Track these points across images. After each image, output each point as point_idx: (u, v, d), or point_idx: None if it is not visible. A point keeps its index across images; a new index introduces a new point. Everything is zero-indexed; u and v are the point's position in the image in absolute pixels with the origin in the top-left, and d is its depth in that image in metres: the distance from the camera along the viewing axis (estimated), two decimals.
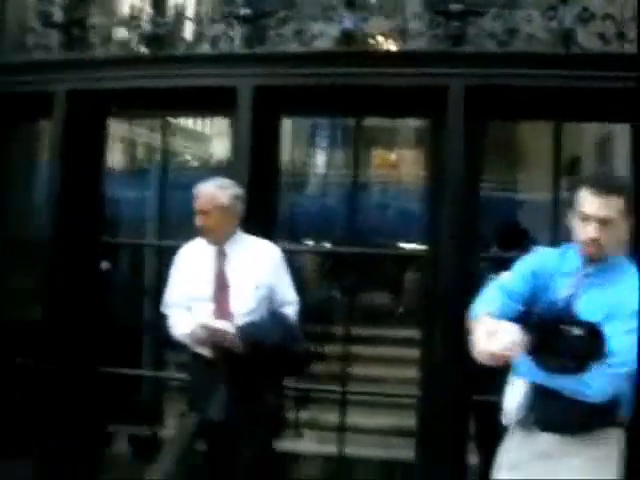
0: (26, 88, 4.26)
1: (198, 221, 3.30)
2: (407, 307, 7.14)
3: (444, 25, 3.76)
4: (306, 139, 9.41)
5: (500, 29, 3.73)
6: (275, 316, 3.32)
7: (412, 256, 4.42)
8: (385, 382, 5.23)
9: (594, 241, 2.34)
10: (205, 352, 3.28)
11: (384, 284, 7.71)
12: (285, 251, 3.72)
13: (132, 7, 4.33)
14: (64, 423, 4.12)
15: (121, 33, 4.21)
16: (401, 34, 3.83)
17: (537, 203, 4.92)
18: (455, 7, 3.71)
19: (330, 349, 5.08)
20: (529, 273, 2.49)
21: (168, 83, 4.08)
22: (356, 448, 4.34)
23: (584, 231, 2.36)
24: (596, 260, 2.40)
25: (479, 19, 3.74)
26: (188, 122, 7.74)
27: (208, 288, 3.31)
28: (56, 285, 4.15)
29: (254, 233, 3.47)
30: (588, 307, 2.34)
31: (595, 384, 2.24)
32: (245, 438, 3.23)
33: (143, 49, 4.14)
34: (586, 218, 2.35)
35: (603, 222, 2.32)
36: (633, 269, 2.43)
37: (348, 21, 3.85)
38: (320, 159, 9.41)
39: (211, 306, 3.27)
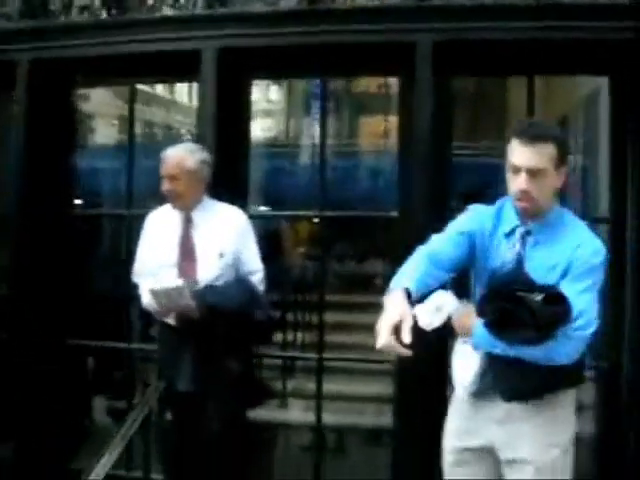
0: None
1: (165, 186, 3.25)
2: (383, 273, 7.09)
3: None
4: (296, 106, 9.32)
5: None
6: (237, 283, 3.26)
7: (385, 220, 4.26)
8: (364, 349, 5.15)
9: (525, 193, 2.20)
10: (170, 320, 3.22)
11: (361, 250, 7.68)
12: (253, 217, 3.65)
13: None
14: (42, 398, 4.08)
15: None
16: None
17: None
18: None
19: (310, 317, 5.01)
20: (462, 235, 2.31)
21: (130, 48, 3.95)
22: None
23: (515, 183, 2.23)
24: (532, 215, 2.27)
25: None
26: (157, 89, 7.58)
27: (173, 255, 3.25)
28: (22, 260, 4.08)
29: (222, 199, 3.40)
30: (538, 269, 2.23)
31: (562, 350, 2.15)
32: (211, 407, 3.17)
33: (104, 14, 4.01)
34: (516, 169, 2.22)
35: (532, 172, 2.19)
36: (576, 220, 2.33)
37: None
38: (306, 126, 9.34)
39: (175, 273, 3.20)
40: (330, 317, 4.16)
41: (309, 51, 3.82)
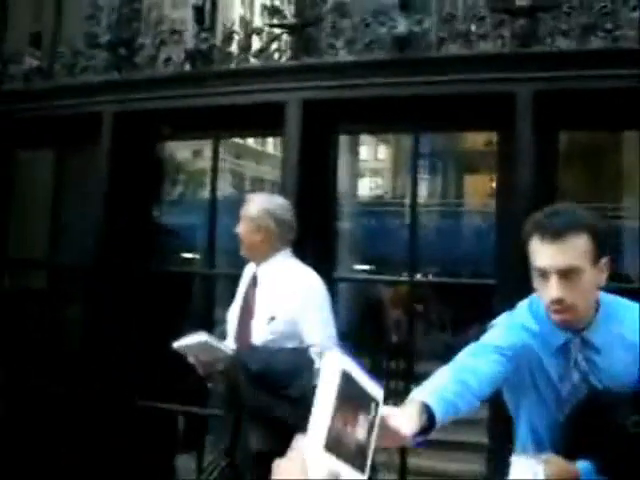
0: (76, 110, 4.15)
1: (241, 240, 3.05)
2: None
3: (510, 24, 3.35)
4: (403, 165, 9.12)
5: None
6: (291, 351, 2.87)
7: (483, 287, 3.87)
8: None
9: (560, 302, 1.75)
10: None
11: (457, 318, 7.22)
12: (335, 280, 3.39)
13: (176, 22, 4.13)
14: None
15: (166, 52, 4.00)
16: (462, 36, 3.42)
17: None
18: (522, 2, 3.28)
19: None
20: (503, 351, 1.81)
21: (214, 101, 3.85)
22: None
23: (546, 292, 1.77)
24: (575, 325, 1.81)
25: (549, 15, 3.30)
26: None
27: (236, 312, 3.04)
28: (95, 314, 3.96)
29: (306, 258, 3.13)
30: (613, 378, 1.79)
31: None
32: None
33: (188, 67, 3.93)
34: (543, 273, 1.76)
35: (564, 274, 1.73)
36: (622, 302, 1.89)
37: (403, 25, 3.49)
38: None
39: (234, 331, 3.00)
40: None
41: (399, 103, 3.58)
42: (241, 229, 3.02)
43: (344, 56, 3.62)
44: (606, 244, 1.80)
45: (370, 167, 11.34)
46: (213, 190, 4.09)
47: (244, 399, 2.79)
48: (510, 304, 2.91)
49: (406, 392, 1.66)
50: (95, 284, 4.03)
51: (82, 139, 4.28)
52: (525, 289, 3.02)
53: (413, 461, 3.78)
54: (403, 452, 3.61)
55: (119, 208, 4.07)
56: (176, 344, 2.79)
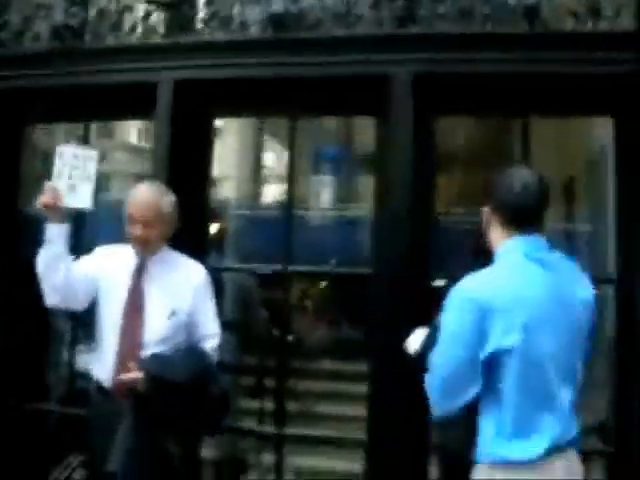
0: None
1: (135, 231, 2.78)
2: None
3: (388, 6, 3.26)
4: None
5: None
6: (188, 351, 2.78)
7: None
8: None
9: None
10: (103, 376, 2.80)
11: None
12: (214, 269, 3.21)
13: None
14: None
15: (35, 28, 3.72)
16: (338, 17, 3.30)
17: None
18: None
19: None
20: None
21: (83, 80, 3.60)
22: None
23: None
24: None
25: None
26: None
27: (119, 304, 2.80)
28: None
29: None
30: None
31: None
32: None
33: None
34: None
35: None
36: None
37: (279, 4, 3.35)
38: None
39: (119, 326, 2.76)
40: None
41: (274, 85, 3.43)
42: (152, 231, 2.79)
43: (219, 35, 3.45)
44: None
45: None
46: None
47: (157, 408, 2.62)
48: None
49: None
50: None
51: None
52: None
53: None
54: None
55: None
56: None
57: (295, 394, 5.12)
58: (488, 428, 2.05)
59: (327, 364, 7.37)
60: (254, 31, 3.43)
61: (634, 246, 3.15)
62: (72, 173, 2.75)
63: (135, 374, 2.62)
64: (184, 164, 3.49)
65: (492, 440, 2.04)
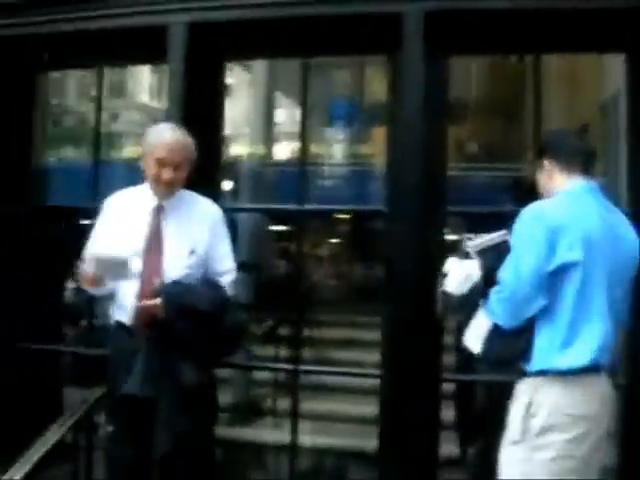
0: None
1: (167, 174, 2.81)
2: None
3: None
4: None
5: None
6: (206, 283, 2.86)
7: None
8: None
9: None
10: (123, 317, 2.85)
11: None
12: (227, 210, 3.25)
13: None
14: None
15: None
16: None
17: None
18: None
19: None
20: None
21: (91, 25, 3.58)
22: None
23: None
24: None
25: None
26: None
27: (138, 244, 2.82)
28: None
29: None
30: None
31: None
32: (161, 419, 2.72)
33: None
34: None
35: None
36: None
37: None
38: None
39: (138, 264, 2.78)
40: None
41: (289, 26, 3.41)
42: (181, 174, 2.85)
43: None
44: None
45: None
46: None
47: (177, 333, 2.71)
48: None
49: None
50: None
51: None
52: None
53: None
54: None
55: None
56: (98, 254, 2.69)
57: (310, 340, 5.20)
58: (541, 341, 2.22)
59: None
60: None
61: None
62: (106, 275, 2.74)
63: (156, 300, 2.69)
64: (198, 105, 3.49)
65: (544, 351, 2.21)
